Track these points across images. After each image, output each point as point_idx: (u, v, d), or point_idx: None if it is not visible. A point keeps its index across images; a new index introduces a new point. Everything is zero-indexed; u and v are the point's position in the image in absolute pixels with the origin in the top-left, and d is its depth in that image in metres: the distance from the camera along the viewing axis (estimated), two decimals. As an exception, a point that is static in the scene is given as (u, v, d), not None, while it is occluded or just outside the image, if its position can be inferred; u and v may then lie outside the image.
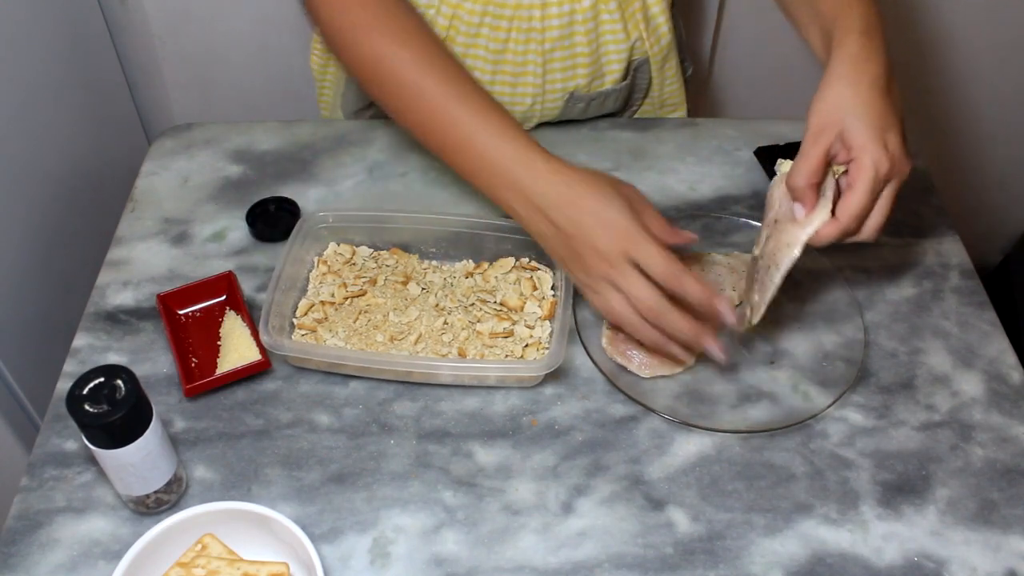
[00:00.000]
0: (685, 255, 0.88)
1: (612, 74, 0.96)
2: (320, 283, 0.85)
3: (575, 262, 0.73)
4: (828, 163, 0.72)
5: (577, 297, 0.83)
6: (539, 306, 0.83)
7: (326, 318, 0.82)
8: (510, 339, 0.80)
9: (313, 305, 0.82)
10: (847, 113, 0.70)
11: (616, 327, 0.81)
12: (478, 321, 0.81)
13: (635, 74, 0.99)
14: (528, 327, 0.81)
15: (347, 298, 0.83)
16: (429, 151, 0.79)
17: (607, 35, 0.93)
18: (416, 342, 0.80)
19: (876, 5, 0.76)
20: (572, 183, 0.72)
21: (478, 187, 0.76)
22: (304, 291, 0.84)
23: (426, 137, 0.78)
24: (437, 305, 0.82)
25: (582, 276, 0.73)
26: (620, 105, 1.02)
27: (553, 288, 0.84)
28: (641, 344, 0.80)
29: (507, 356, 0.79)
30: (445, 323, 0.81)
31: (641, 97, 1.04)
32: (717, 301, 0.71)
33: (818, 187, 0.72)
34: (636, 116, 1.06)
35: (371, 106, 1.06)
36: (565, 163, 0.74)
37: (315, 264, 0.86)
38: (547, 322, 0.82)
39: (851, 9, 0.75)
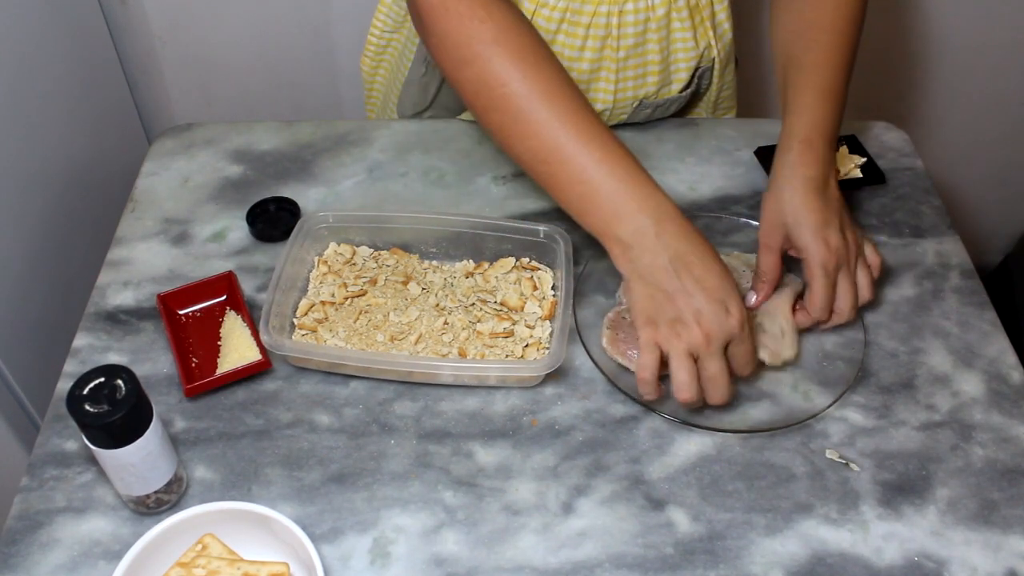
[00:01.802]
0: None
1: (679, 81, 0.97)
2: (320, 283, 0.84)
3: (667, 324, 0.70)
4: (781, 261, 0.81)
5: (577, 297, 0.83)
6: (539, 306, 0.83)
7: (326, 318, 0.82)
8: (510, 339, 0.80)
9: (313, 305, 0.82)
10: (788, 216, 0.79)
11: (614, 327, 0.82)
12: (478, 321, 0.81)
13: (699, 80, 0.99)
14: (528, 327, 0.81)
15: (347, 298, 0.83)
16: (536, 180, 0.75)
17: (677, 42, 0.93)
18: (416, 342, 0.80)
19: (833, 104, 0.82)
20: (701, 245, 0.71)
21: (587, 225, 0.73)
22: (304, 291, 0.84)
23: (536, 167, 0.74)
24: (437, 305, 0.83)
25: (664, 337, 0.70)
26: (679, 109, 1.03)
27: (554, 288, 0.84)
28: None
29: (507, 356, 0.79)
30: (445, 323, 0.81)
31: (698, 101, 1.05)
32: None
33: (775, 282, 0.81)
34: (690, 116, 1.07)
35: (428, 108, 1.03)
36: (690, 221, 0.72)
37: (315, 264, 0.86)
38: (547, 322, 0.82)
39: (802, 113, 0.82)
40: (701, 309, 0.69)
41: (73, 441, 0.75)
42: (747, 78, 1.55)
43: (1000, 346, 0.83)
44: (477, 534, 0.70)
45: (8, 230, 1.03)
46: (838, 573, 0.68)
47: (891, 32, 1.48)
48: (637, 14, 0.89)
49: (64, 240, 1.16)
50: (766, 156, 0.99)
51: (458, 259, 0.87)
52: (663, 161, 0.99)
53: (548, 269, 0.86)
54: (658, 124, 1.03)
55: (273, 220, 0.92)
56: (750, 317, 0.73)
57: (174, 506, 0.71)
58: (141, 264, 0.89)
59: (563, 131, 0.71)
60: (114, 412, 0.62)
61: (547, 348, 0.80)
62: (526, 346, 0.80)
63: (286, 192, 0.95)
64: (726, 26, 0.96)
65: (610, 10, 0.89)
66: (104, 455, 0.65)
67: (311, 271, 0.86)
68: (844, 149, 0.98)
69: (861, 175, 0.97)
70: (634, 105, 0.97)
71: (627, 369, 0.80)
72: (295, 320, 0.82)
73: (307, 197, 0.95)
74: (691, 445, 0.76)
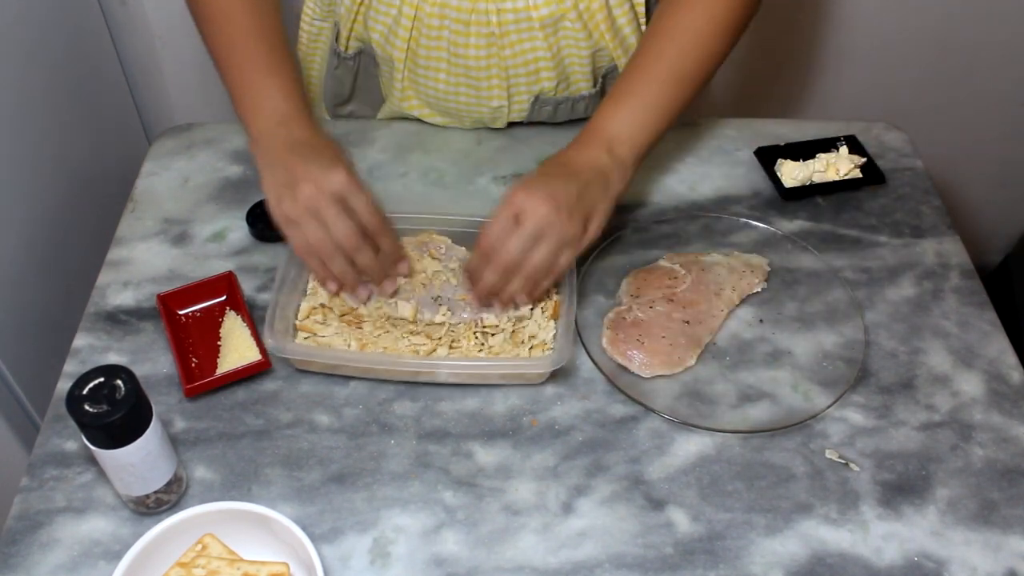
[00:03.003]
0: (685, 255, 0.88)
1: (579, 81, 0.96)
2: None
3: (288, 191, 0.76)
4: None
5: (580, 297, 0.83)
6: (542, 306, 0.82)
7: (326, 321, 0.81)
8: (515, 338, 0.80)
9: (314, 308, 0.82)
10: (523, 178, 0.78)
11: (614, 327, 0.82)
12: (482, 321, 0.81)
13: (604, 81, 0.99)
14: (533, 326, 0.81)
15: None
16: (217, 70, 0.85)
17: (569, 40, 0.92)
18: (419, 342, 0.80)
19: (646, 112, 0.83)
20: (321, 138, 0.80)
21: (242, 119, 0.82)
22: (305, 293, 0.84)
23: (217, 59, 0.84)
24: (439, 305, 0.82)
25: (289, 207, 0.76)
26: (594, 110, 1.02)
27: (556, 288, 0.84)
28: (642, 344, 0.80)
29: (515, 355, 0.79)
30: (449, 323, 0.81)
31: None
32: (403, 259, 0.82)
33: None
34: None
35: (349, 101, 1.06)
36: (321, 127, 0.81)
37: None
38: (551, 322, 0.82)
39: (606, 112, 0.83)
40: (304, 167, 0.76)
41: (73, 441, 0.75)
42: (747, 78, 1.55)
43: (1000, 346, 0.83)
44: (477, 534, 0.70)
45: (8, 230, 1.03)
46: (838, 573, 0.68)
47: (891, 32, 1.48)
48: (517, 12, 0.89)
49: (64, 240, 1.16)
50: (766, 156, 0.99)
51: (456, 242, 0.87)
52: (663, 161, 0.99)
53: None
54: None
55: (272, 219, 0.92)
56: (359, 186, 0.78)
57: (174, 506, 0.71)
58: (141, 264, 0.89)
59: (246, 42, 0.83)
60: (114, 412, 0.62)
61: (551, 348, 0.80)
62: (531, 348, 0.80)
63: (286, 192, 0.95)
64: (627, 31, 0.94)
65: (488, 8, 0.89)
66: (104, 455, 0.65)
67: (311, 273, 0.85)
68: (844, 149, 0.98)
69: (861, 175, 0.97)
70: (530, 101, 0.97)
71: (627, 369, 0.80)
72: (297, 322, 0.82)
73: (307, 197, 0.95)
74: (691, 445, 0.76)
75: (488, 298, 0.79)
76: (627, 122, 0.82)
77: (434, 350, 0.79)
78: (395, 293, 0.82)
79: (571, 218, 0.76)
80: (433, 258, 0.86)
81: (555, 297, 0.83)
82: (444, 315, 0.81)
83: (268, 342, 0.75)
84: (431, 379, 0.79)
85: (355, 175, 0.77)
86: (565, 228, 0.75)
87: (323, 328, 0.81)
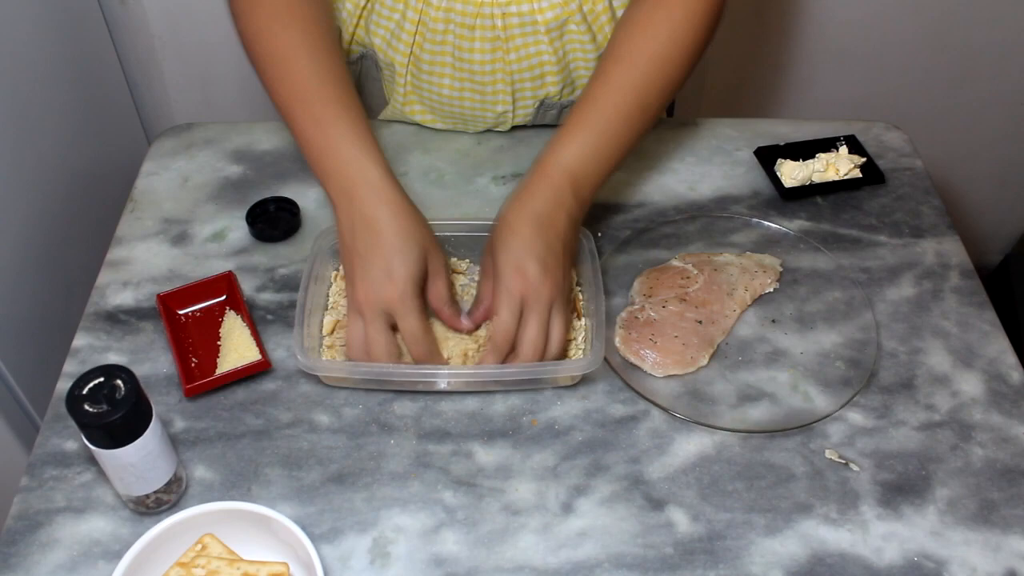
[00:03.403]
0: (698, 255, 0.88)
1: (583, 83, 0.96)
2: (341, 296, 0.84)
3: (352, 278, 0.74)
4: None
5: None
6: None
7: None
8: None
9: (339, 322, 0.82)
10: (495, 238, 0.75)
11: (627, 327, 0.82)
12: None
13: None
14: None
15: None
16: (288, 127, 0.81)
17: (575, 44, 0.92)
18: (444, 350, 0.79)
19: (599, 145, 0.79)
20: (388, 216, 0.74)
21: (315, 174, 0.78)
22: (326, 308, 0.83)
23: (285, 113, 0.80)
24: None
25: (351, 292, 0.75)
26: None
27: (578, 284, 0.84)
28: (655, 344, 0.80)
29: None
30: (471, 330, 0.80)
31: None
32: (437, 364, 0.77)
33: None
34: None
35: None
36: (399, 188, 0.76)
37: (334, 279, 0.85)
38: (577, 321, 0.81)
39: (561, 143, 0.78)
40: (365, 272, 0.73)
41: (73, 441, 0.75)
42: (747, 78, 1.55)
43: (1000, 346, 0.83)
44: (477, 534, 0.70)
45: (8, 230, 1.03)
46: (838, 573, 0.68)
47: (892, 32, 1.48)
48: (522, 16, 0.89)
49: (64, 240, 1.16)
50: (766, 156, 0.99)
51: (474, 261, 0.87)
52: (663, 161, 0.99)
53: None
54: (658, 124, 1.03)
55: (273, 220, 0.92)
56: (445, 289, 0.76)
57: (174, 506, 0.71)
58: (141, 264, 0.89)
59: (311, 86, 0.78)
60: (114, 412, 0.62)
61: (579, 346, 0.79)
62: None
63: (286, 192, 0.95)
64: None
65: (493, 12, 0.88)
66: (104, 455, 0.65)
67: (330, 288, 0.85)
68: (844, 149, 0.98)
69: (861, 175, 0.97)
70: (536, 106, 0.97)
71: (639, 368, 0.80)
72: (324, 339, 0.81)
73: (307, 197, 0.95)
74: (691, 445, 0.76)
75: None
76: (589, 158, 0.78)
77: (477, 351, 0.79)
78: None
79: (567, 278, 0.76)
80: (457, 272, 0.86)
81: (574, 295, 0.83)
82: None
83: (301, 361, 0.73)
84: (471, 389, 0.78)
85: (411, 287, 0.73)
86: (566, 291, 0.76)
87: None
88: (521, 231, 0.74)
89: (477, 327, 0.80)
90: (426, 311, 0.75)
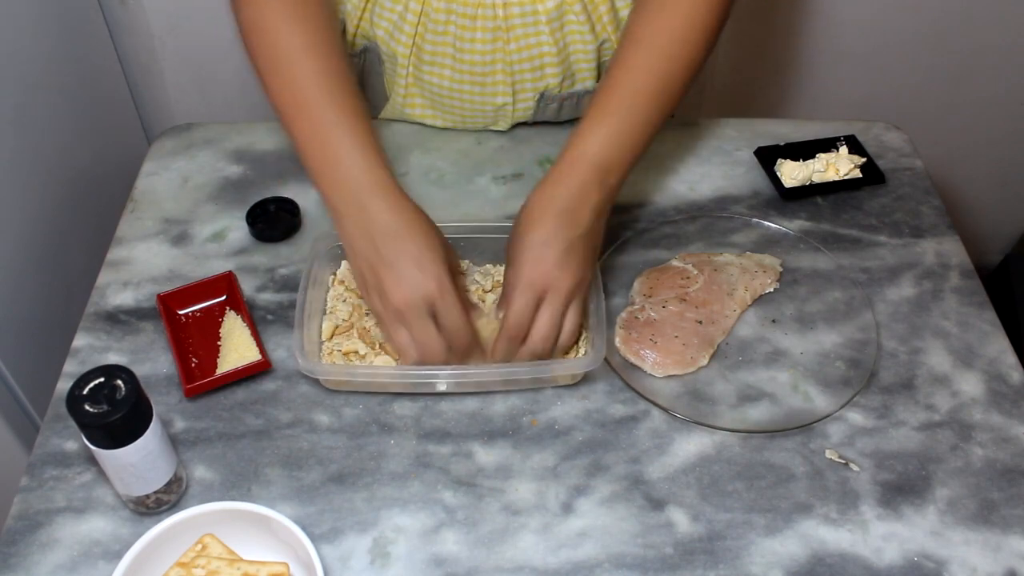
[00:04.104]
0: (698, 255, 0.88)
1: (583, 75, 0.96)
2: (339, 301, 0.83)
3: (377, 292, 0.73)
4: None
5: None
6: None
7: (350, 336, 0.81)
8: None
9: (338, 327, 0.81)
10: (518, 225, 0.75)
11: (627, 327, 0.82)
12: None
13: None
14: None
15: (367, 312, 0.82)
16: (286, 133, 0.79)
17: (575, 35, 0.92)
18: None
19: (624, 133, 0.78)
20: (406, 220, 0.74)
21: (316, 186, 0.77)
22: (325, 312, 0.83)
23: (285, 119, 0.78)
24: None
25: (379, 307, 0.74)
26: None
27: None
28: (655, 344, 0.80)
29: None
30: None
31: None
32: (483, 360, 0.77)
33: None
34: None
35: None
36: (406, 197, 0.75)
37: (332, 284, 0.85)
38: None
39: (587, 132, 0.77)
40: (398, 275, 0.72)
41: (73, 441, 0.75)
42: (747, 78, 1.55)
43: (1000, 346, 0.83)
44: (477, 534, 0.70)
45: (8, 230, 1.03)
46: (838, 573, 0.68)
47: (892, 32, 1.48)
48: (523, 6, 0.89)
49: (64, 240, 1.16)
50: (766, 156, 0.99)
51: (472, 262, 0.87)
52: (663, 161, 0.99)
53: None
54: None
55: (273, 220, 0.92)
56: (462, 289, 0.75)
57: (174, 506, 0.71)
58: (141, 264, 0.89)
59: (314, 90, 0.76)
60: (114, 412, 0.62)
61: (579, 347, 0.79)
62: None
63: (286, 192, 0.95)
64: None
65: (495, 2, 0.88)
66: (104, 455, 0.65)
67: (328, 292, 0.85)
68: (844, 149, 0.98)
69: (861, 175, 0.97)
70: (536, 99, 0.97)
71: (639, 368, 0.80)
72: (323, 344, 0.81)
73: (307, 197, 0.95)
74: (691, 445, 0.76)
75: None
76: (615, 146, 0.77)
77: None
78: None
79: (587, 271, 0.75)
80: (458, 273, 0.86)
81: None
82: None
83: (302, 365, 0.73)
84: (465, 389, 0.78)
85: (444, 279, 0.72)
86: (585, 285, 0.75)
87: (357, 344, 0.80)
88: (544, 223, 0.74)
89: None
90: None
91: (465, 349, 0.74)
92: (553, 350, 0.75)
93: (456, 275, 0.76)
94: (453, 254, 0.77)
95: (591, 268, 0.76)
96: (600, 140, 0.77)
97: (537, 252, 0.73)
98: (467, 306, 0.75)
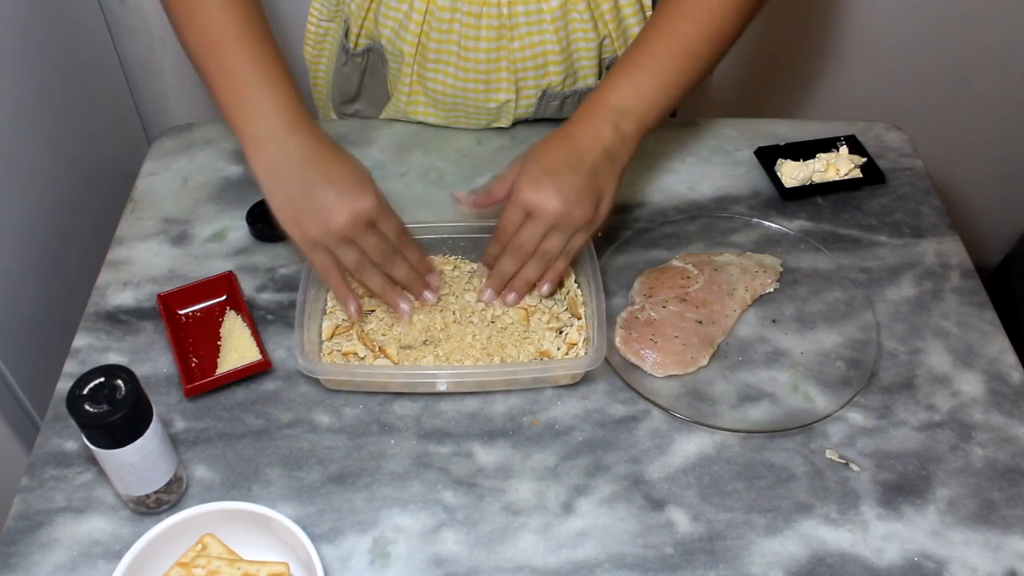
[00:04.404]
0: (698, 255, 0.88)
1: (585, 72, 0.96)
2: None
3: (314, 218, 0.73)
4: (503, 195, 0.78)
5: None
6: (562, 300, 0.82)
7: (350, 337, 0.81)
8: (533, 338, 0.80)
9: (338, 327, 0.81)
10: (527, 153, 0.77)
11: (627, 327, 0.82)
12: (499, 323, 0.81)
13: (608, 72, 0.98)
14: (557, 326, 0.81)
15: (369, 311, 0.82)
16: (200, 74, 0.78)
17: (578, 33, 0.93)
18: (447, 352, 0.79)
19: (650, 86, 0.79)
20: (328, 146, 0.75)
21: (231, 123, 0.76)
22: (325, 312, 0.83)
23: (198, 60, 0.78)
24: (455, 311, 0.81)
25: (316, 232, 0.74)
26: None
27: (576, 282, 0.84)
28: (655, 344, 0.80)
29: (540, 355, 0.79)
30: (469, 329, 0.80)
31: None
32: (432, 271, 0.82)
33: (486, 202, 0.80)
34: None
35: (355, 100, 1.06)
36: (321, 130, 0.77)
37: None
38: (574, 319, 0.81)
39: (611, 83, 0.79)
40: (336, 195, 0.73)
41: (73, 441, 0.75)
42: (747, 78, 1.55)
43: (1000, 346, 0.83)
44: (477, 534, 0.70)
45: (8, 230, 1.03)
46: (838, 573, 0.68)
47: (891, 32, 1.48)
48: (527, 4, 0.89)
49: (64, 240, 1.16)
50: (766, 156, 0.99)
51: (471, 260, 0.87)
52: (663, 161, 0.99)
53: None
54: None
55: (273, 220, 0.92)
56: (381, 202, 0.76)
57: (174, 506, 0.71)
58: (141, 264, 0.89)
59: (225, 29, 0.75)
60: (114, 412, 0.62)
61: (580, 348, 0.80)
62: (559, 348, 0.79)
63: (286, 192, 0.95)
64: (631, 21, 0.94)
65: (500, 0, 0.89)
66: (104, 455, 0.65)
67: (328, 292, 0.84)
68: (844, 149, 0.98)
69: (861, 175, 0.97)
70: (538, 96, 0.97)
71: (640, 368, 0.80)
72: (324, 344, 0.81)
73: (307, 197, 0.95)
74: (691, 445, 0.76)
75: (504, 285, 0.80)
76: (634, 95, 0.79)
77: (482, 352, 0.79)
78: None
79: (581, 206, 0.75)
80: (446, 267, 0.86)
81: (571, 293, 0.83)
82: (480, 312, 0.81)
83: (302, 364, 0.73)
84: (465, 388, 0.78)
85: (380, 195, 0.75)
86: (575, 218, 0.76)
87: (357, 346, 0.80)
88: (550, 151, 0.76)
89: (477, 206, 0.82)
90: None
91: (406, 247, 0.77)
92: (555, 272, 0.78)
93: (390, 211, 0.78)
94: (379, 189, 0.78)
95: (589, 206, 0.76)
96: (620, 88, 0.79)
97: (535, 175, 0.75)
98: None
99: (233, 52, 0.76)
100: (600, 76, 0.97)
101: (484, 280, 0.82)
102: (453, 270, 0.86)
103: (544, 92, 0.97)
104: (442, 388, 0.78)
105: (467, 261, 0.87)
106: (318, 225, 0.73)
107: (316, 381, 0.79)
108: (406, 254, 0.79)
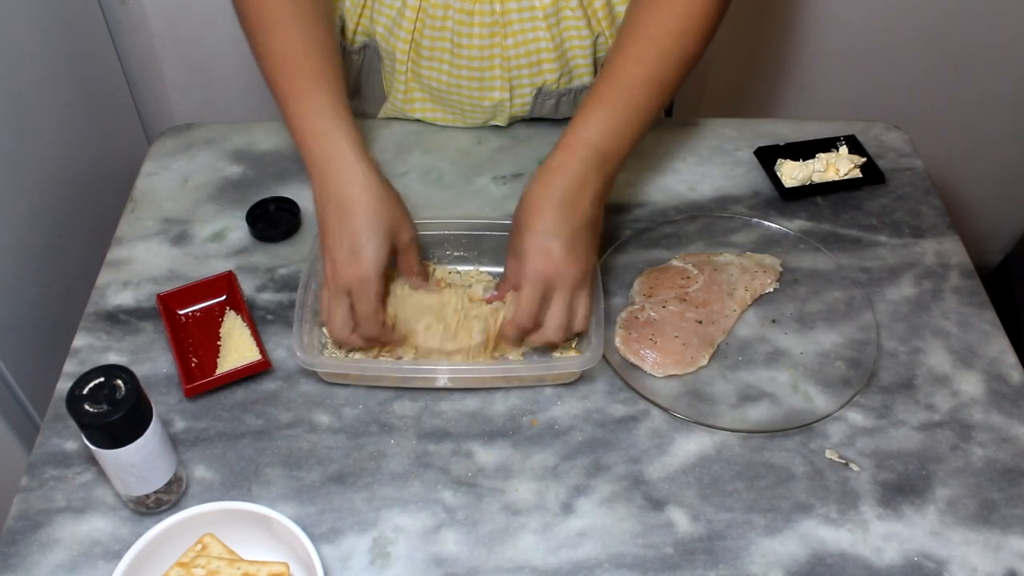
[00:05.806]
0: (698, 255, 0.88)
1: (581, 71, 0.96)
2: None
3: (323, 252, 0.76)
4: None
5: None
6: None
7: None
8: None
9: None
10: (520, 216, 0.76)
11: (627, 326, 0.82)
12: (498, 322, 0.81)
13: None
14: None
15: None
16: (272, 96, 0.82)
17: (571, 30, 0.93)
18: (448, 350, 0.79)
19: (621, 120, 0.79)
20: (355, 194, 0.75)
21: (296, 144, 0.80)
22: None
23: (271, 83, 0.81)
24: (455, 310, 0.81)
25: (323, 265, 0.77)
26: None
27: None
28: (655, 344, 0.80)
29: (535, 354, 0.79)
30: (469, 327, 0.80)
31: None
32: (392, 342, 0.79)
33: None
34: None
35: (353, 98, 1.06)
36: (370, 163, 0.77)
37: None
38: None
39: (584, 120, 0.78)
40: (334, 252, 0.74)
41: (73, 441, 0.75)
42: (747, 78, 1.55)
43: (1000, 346, 0.83)
44: (477, 534, 0.70)
45: (8, 230, 1.03)
46: (838, 573, 0.68)
47: (891, 32, 1.48)
48: (520, 1, 0.89)
49: (64, 240, 1.16)
50: (766, 156, 0.99)
51: (471, 262, 0.87)
52: (663, 161, 0.99)
53: None
54: (658, 124, 1.03)
55: (273, 220, 0.92)
56: (413, 258, 0.78)
57: (174, 506, 0.71)
58: (141, 264, 0.89)
59: (292, 54, 0.79)
60: (114, 412, 0.62)
61: (575, 346, 0.80)
62: (554, 346, 0.79)
63: (286, 192, 0.95)
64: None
65: None
66: (104, 455, 0.65)
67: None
68: (844, 149, 0.98)
69: (861, 175, 0.97)
70: (533, 94, 0.97)
71: (639, 368, 0.80)
72: (324, 338, 0.81)
73: (307, 197, 0.95)
74: (691, 445, 0.76)
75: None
76: (613, 133, 0.78)
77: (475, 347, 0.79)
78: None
79: (588, 256, 0.76)
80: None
81: None
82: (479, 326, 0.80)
83: (301, 357, 0.74)
84: (464, 385, 0.78)
85: (380, 255, 0.74)
86: (588, 270, 0.76)
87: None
88: (546, 212, 0.75)
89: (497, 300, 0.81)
90: (384, 294, 0.77)
91: (372, 337, 0.76)
92: (565, 338, 0.76)
93: (407, 247, 0.78)
94: (407, 229, 0.78)
95: (595, 255, 0.77)
96: (598, 128, 0.78)
97: (542, 243, 0.74)
98: (381, 300, 0.77)
99: (301, 79, 0.79)
100: (596, 74, 0.97)
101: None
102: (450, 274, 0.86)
103: (539, 90, 0.97)
104: (441, 384, 0.78)
105: (440, 266, 0.87)
106: (324, 267, 0.76)
107: (316, 380, 0.79)
108: (366, 341, 0.78)
